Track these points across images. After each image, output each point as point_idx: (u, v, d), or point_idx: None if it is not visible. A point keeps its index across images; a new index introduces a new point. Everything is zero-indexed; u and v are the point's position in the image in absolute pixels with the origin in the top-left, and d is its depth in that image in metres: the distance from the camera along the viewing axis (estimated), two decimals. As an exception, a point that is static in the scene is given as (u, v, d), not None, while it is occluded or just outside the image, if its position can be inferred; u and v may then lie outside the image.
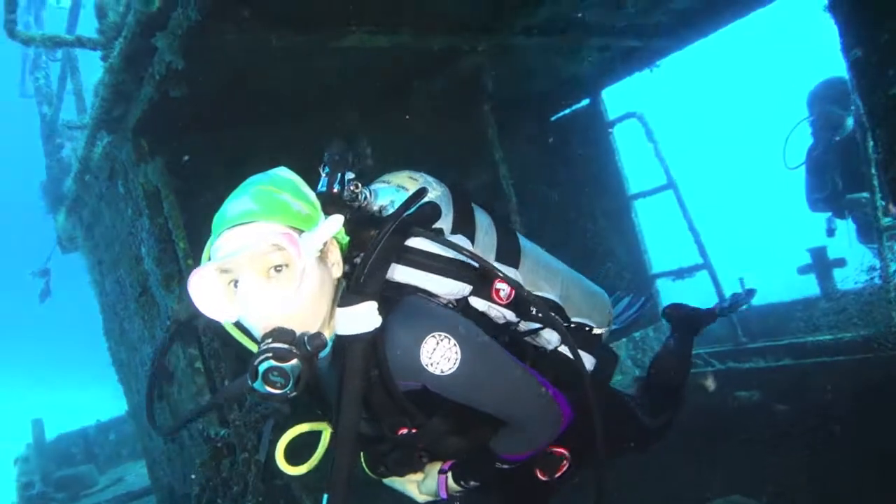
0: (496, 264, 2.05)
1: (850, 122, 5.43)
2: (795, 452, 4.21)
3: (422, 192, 1.99)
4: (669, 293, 6.00)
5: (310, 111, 4.60)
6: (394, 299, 1.84)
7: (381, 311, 1.77)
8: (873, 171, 4.27)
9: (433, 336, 1.76)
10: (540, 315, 2.05)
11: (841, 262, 5.27)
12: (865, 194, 5.23)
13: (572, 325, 2.28)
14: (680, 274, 5.70)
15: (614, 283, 6.00)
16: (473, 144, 5.12)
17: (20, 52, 7.75)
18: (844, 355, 4.24)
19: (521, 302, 2.02)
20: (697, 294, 5.76)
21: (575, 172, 6.29)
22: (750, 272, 5.69)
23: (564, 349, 2.15)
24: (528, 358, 2.10)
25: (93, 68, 4.18)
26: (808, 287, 5.39)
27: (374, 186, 2.11)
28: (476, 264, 1.92)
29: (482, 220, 2.19)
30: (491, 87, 4.90)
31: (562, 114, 6.40)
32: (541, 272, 2.27)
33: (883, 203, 4.32)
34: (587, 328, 2.31)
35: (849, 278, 5.03)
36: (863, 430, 3.89)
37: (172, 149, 4.21)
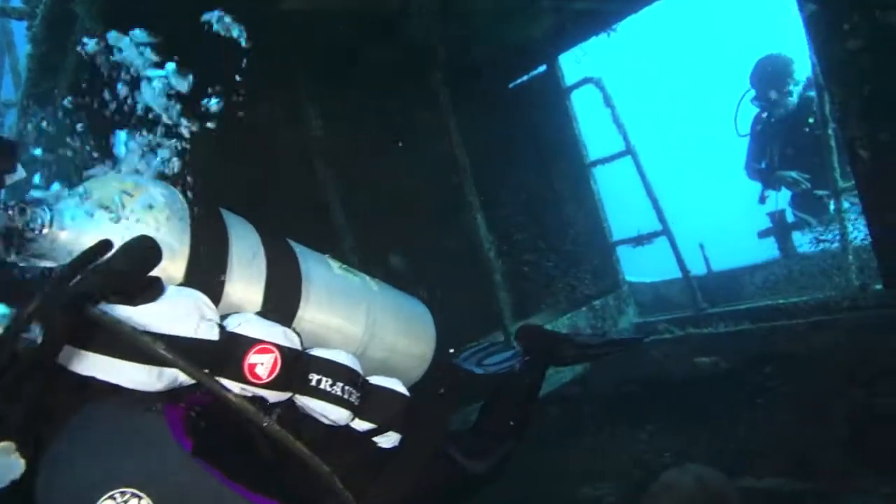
0: (248, 325, 1.46)
1: (791, 100, 5.51)
2: (754, 417, 4.19)
3: (105, 245, 1.27)
4: (630, 260, 5.96)
5: (253, 80, 4.41)
6: (66, 407, 1.25)
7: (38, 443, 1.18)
8: (829, 131, 4.22)
9: (111, 499, 1.17)
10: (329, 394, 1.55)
11: (800, 225, 5.25)
12: (793, 173, 5.29)
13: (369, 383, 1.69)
14: (640, 241, 5.62)
15: (578, 252, 5.94)
16: (426, 113, 4.97)
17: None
18: (803, 318, 4.21)
19: (297, 373, 1.52)
20: (657, 261, 5.74)
21: (533, 140, 6.18)
22: (710, 237, 5.64)
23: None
24: (316, 436, 1.56)
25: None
26: (769, 250, 5.38)
27: (61, 205, 1.39)
28: (213, 335, 1.38)
29: (241, 242, 1.60)
30: (442, 53, 4.75)
31: (519, 81, 6.27)
32: (337, 306, 1.75)
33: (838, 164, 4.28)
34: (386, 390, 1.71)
35: (807, 242, 5.02)
36: (822, 392, 3.86)
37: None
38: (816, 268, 4.53)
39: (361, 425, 1.64)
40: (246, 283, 1.56)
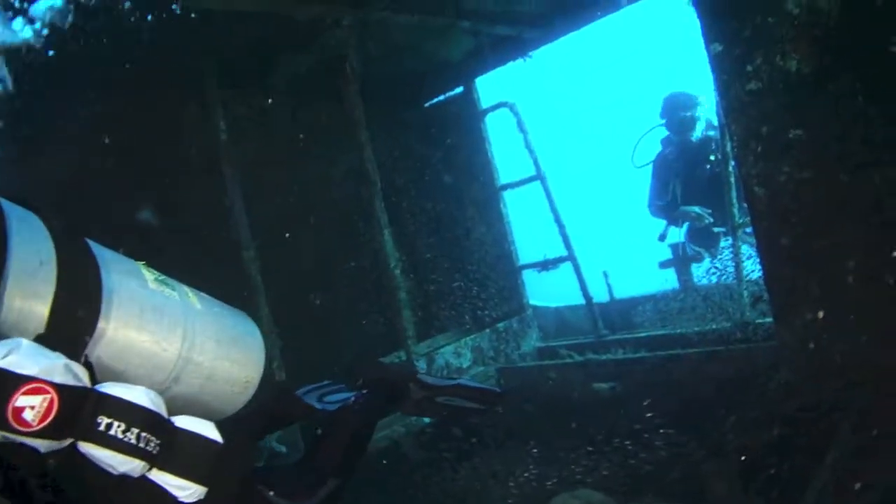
0: (17, 357, 1.19)
1: (699, 128, 5.68)
2: (648, 442, 4.26)
3: None
4: (535, 284, 6.02)
5: (164, 81, 4.25)
6: None
7: None
8: (729, 168, 4.38)
9: None
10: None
11: (699, 258, 5.43)
12: (696, 208, 5.49)
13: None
14: (545, 265, 5.69)
15: (484, 274, 5.95)
16: (340, 126, 4.89)
17: None
18: (699, 348, 4.33)
19: (81, 417, 1.25)
20: (562, 286, 5.82)
21: (446, 160, 6.19)
22: (613, 265, 5.76)
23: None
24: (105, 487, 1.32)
25: None
26: (669, 281, 5.53)
27: None
28: None
29: (25, 246, 1.31)
30: (359, 66, 4.69)
31: (435, 100, 6.28)
32: (147, 327, 1.47)
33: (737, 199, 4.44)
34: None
35: (706, 273, 5.19)
36: (714, 420, 3.96)
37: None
38: (712, 300, 4.68)
39: (161, 476, 1.38)
40: (27, 298, 1.28)
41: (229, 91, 4.47)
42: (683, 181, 5.73)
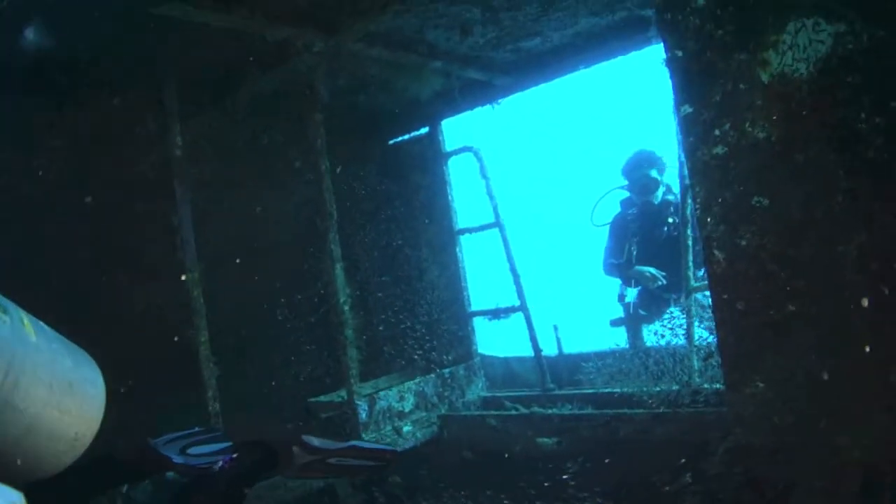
0: None
1: (661, 192, 5.72)
2: (592, 500, 4.16)
3: None
4: (484, 332, 5.93)
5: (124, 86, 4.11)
6: None
7: None
8: (688, 230, 4.39)
9: None
10: None
11: (650, 319, 5.42)
12: (651, 269, 5.51)
13: None
14: (496, 314, 5.61)
15: (435, 318, 5.85)
16: (300, 155, 4.80)
17: None
18: (646, 408, 4.27)
19: None
20: (512, 336, 5.74)
21: (405, 199, 6.12)
22: (564, 319, 5.72)
23: None
24: None
25: None
26: (619, 339, 5.50)
27: None
28: None
29: None
30: (325, 95, 4.61)
31: (400, 139, 6.24)
32: None
33: (693, 263, 4.44)
34: None
35: (656, 334, 5.16)
36: (657, 482, 3.89)
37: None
38: (662, 361, 4.64)
39: None
40: None
41: (189, 107, 4.35)
42: (640, 242, 5.75)
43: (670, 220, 5.59)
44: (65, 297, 4.06)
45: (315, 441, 2.04)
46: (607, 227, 6.17)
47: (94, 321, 4.20)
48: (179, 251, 4.02)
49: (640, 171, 5.80)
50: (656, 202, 5.75)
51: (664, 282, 5.45)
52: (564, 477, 4.38)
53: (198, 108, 4.47)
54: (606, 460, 4.25)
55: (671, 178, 5.80)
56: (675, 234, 5.43)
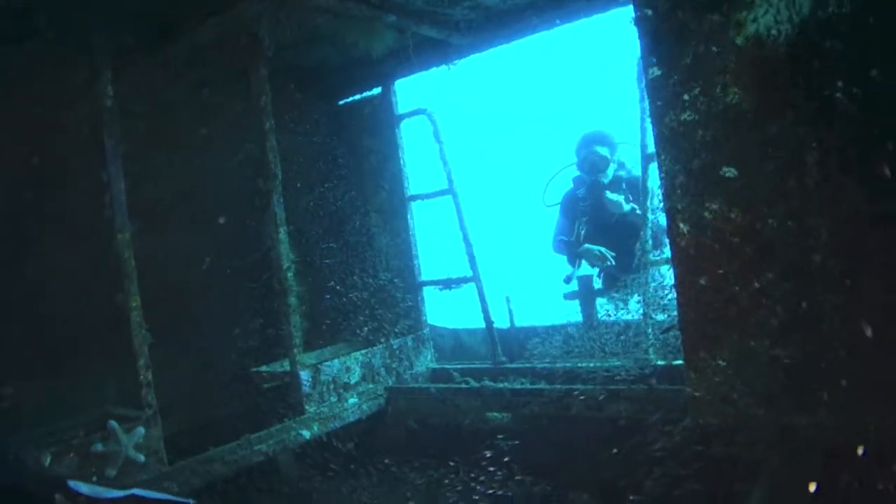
0: None
1: (611, 170, 5.54)
2: (542, 476, 4.06)
3: None
4: (436, 302, 5.75)
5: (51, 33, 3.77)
6: None
7: None
8: (648, 203, 4.26)
9: None
10: None
11: (604, 293, 5.30)
12: (601, 248, 5.34)
13: None
14: (448, 284, 5.43)
15: (384, 287, 5.65)
16: (244, 109, 4.50)
17: None
18: (599, 385, 4.15)
19: None
20: (462, 307, 5.58)
21: (355, 162, 5.87)
22: (517, 291, 5.57)
23: None
24: None
25: None
26: (573, 313, 5.36)
27: None
28: None
29: None
30: (271, 47, 4.32)
31: (351, 99, 5.96)
32: None
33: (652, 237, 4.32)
34: None
35: (610, 309, 5.05)
36: (607, 463, 3.79)
37: None
38: (616, 337, 4.54)
39: None
40: None
41: (124, 56, 4.01)
42: (589, 222, 5.57)
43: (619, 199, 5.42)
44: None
45: (83, 489, 1.78)
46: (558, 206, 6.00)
47: (16, 285, 3.92)
48: (109, 210, 3.71)
49: (588, 149, 5.61)
50: (606, 181, 5.56)
51: (612, 262, 5.31)
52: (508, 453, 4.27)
53: (132, 57, 4.13)
54: (557, 436, 4.15)
55: (629, 156, 5.65)
56: (624, 213, 5.32)
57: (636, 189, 5.11)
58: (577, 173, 5.77)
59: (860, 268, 2.61)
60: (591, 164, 5.55)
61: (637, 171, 5.42)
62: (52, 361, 3.91)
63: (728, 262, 2.90)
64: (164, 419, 3.75)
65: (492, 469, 4.25)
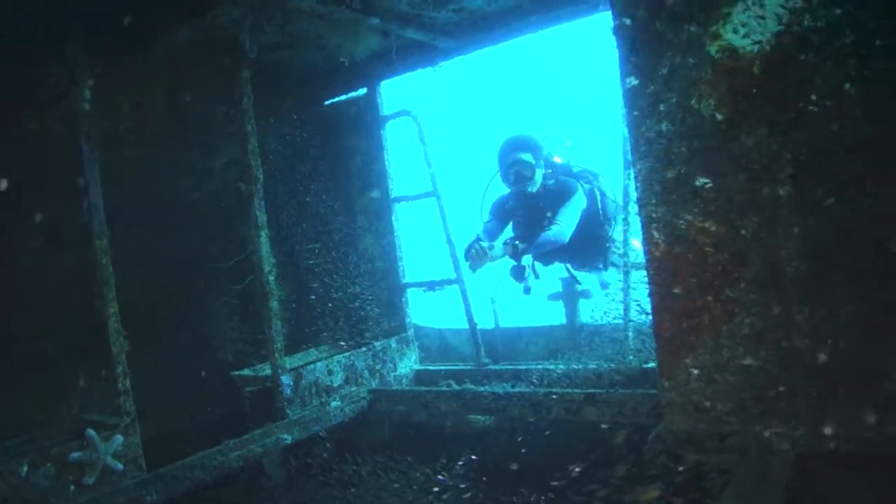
0: None
1: (539, 176, 5.16)
2: (519, 478, 4.08)
3: None
4: (421, 303, 5.75)
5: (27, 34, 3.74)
6: None
7: None
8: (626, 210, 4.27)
9: None
10: None
11: (587, 294, 5.31)
12: (482, 242, 4.90)
13: None
14: (431, 286, 5.43)
15: (367, 288, 5.65)
16: (225, 112, 4.50)
17: None
18: (579, 388, 4.17)
19: None
20: (448, 307, 5.58)
21: (339, 164, 5.85)
22: (501, 293, 5.57)
23: None
24: None
25: None
26: (556, 315, 5.37)
27: None
28: None
29: None
30: (252, 49, 4.30)
31: (335, 99, 5.95)
32: None
33: (631, 239, 4.34)
34: None
35: (595, 311, 5.07)
36: (585, 466, 3.81)
37: None
38: (599, 339, 4.56)
39: None
40: None
41: (103, 58, 3.99)
42: (521, 237, 5.14)
43: (549, 213, 5.04)
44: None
45: None
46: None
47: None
48: (86, 215, 3.70)
49: (511, 157, 5.12)
50: (533, 190, 5.15)
51: (493, 256, 4.90)
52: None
53: (110, 59, 4.10)
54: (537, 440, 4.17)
55: (558, 146, 5.45)
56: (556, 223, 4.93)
57: (564, 198, 4.99)
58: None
59: (831, 277, 2.63)
60: (516, 174, 5.14)
61: (574, 162, 5.33)
62: (28, 369, 3.90)
63: (701, 271, 2.91)
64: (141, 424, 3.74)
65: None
